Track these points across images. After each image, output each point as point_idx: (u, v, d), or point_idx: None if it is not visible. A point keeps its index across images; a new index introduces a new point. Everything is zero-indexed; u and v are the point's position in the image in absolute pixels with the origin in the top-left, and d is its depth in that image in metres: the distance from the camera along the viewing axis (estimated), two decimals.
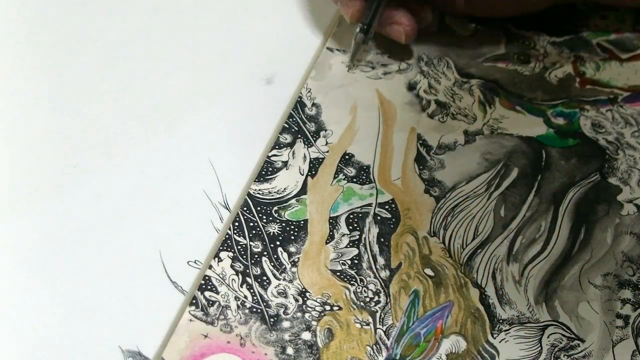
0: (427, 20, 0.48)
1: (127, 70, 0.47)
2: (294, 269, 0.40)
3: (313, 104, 0.47)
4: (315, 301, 0.39)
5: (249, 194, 0.43)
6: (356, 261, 0.41)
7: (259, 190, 0.43)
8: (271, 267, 0.40)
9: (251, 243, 0.41)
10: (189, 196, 0.42)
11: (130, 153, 0.44)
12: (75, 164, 0.43)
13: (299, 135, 0.45)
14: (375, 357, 0.38)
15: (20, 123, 0.45)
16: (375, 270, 0.40)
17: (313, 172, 0.44)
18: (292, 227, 0.42)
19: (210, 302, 0.39)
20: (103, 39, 0.49)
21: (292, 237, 0.41)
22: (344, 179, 0.44)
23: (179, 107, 0.46)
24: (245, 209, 0.42)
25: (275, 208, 0.42)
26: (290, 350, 0.38)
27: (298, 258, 0.40)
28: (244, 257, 0.40)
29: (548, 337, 0.39)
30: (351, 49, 0.48)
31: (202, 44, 0.49)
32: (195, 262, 0.40)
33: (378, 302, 0.39)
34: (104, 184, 0.42)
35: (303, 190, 0.43)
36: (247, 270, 0.40)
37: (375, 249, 0.41)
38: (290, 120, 0.46)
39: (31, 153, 0.44)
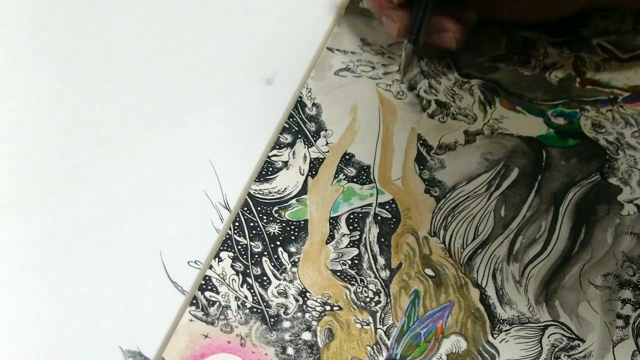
0: (472, 22, 0.47)
1: (127, 70, 0.47)
2: (294, 269, 0.40)
3: (313, 104, 0.46)
4: (316, 301, 0.39)
5: (249, 194, 0.43)
6: (356, 261, 0.41)
7: (259, 190, 0.43)
8: (271, 267, 0.40)
9: (251, 243, 0.41)
10: (189, 196, 0.42)
11: (130, 153, 0.44)
12: (75, 164, 0.43)
13: (299, 135, 0.45)
14: (376, 357, 0.38)
15: (20, 123, 0.45)
16: (375, 270, 0.40)
17: (313, 172, 0.44)
18: (293, 227, 0.42)
19: (211, 302, 0.39)
20: (102, 38, 0.49)
21: (293, 237, 0.41)
22: (344, 179, 0.44)
23: (179, 107, 0.46)
24: (245, 209, 0.42)
25: (276, 208, 0.42)
26: (290, 350, 0.38)
27: (298, 258, 0.40)
28: (244, 257, 0.40)
29: (548, 337, 0.39)
30: (402, 61, 0.47)
31: (202, 44, 0.49)
32: (195, 262, 0.40)
33: (378, 302, 0.39)
34: (104, 184, 0.42)
35: (303, 190, 0.43)
36: (248, 271, 0.40)
37: (376, 249, 0.41)
38: (291, 120, 0.46)
39: (31, 153, 0.44)
